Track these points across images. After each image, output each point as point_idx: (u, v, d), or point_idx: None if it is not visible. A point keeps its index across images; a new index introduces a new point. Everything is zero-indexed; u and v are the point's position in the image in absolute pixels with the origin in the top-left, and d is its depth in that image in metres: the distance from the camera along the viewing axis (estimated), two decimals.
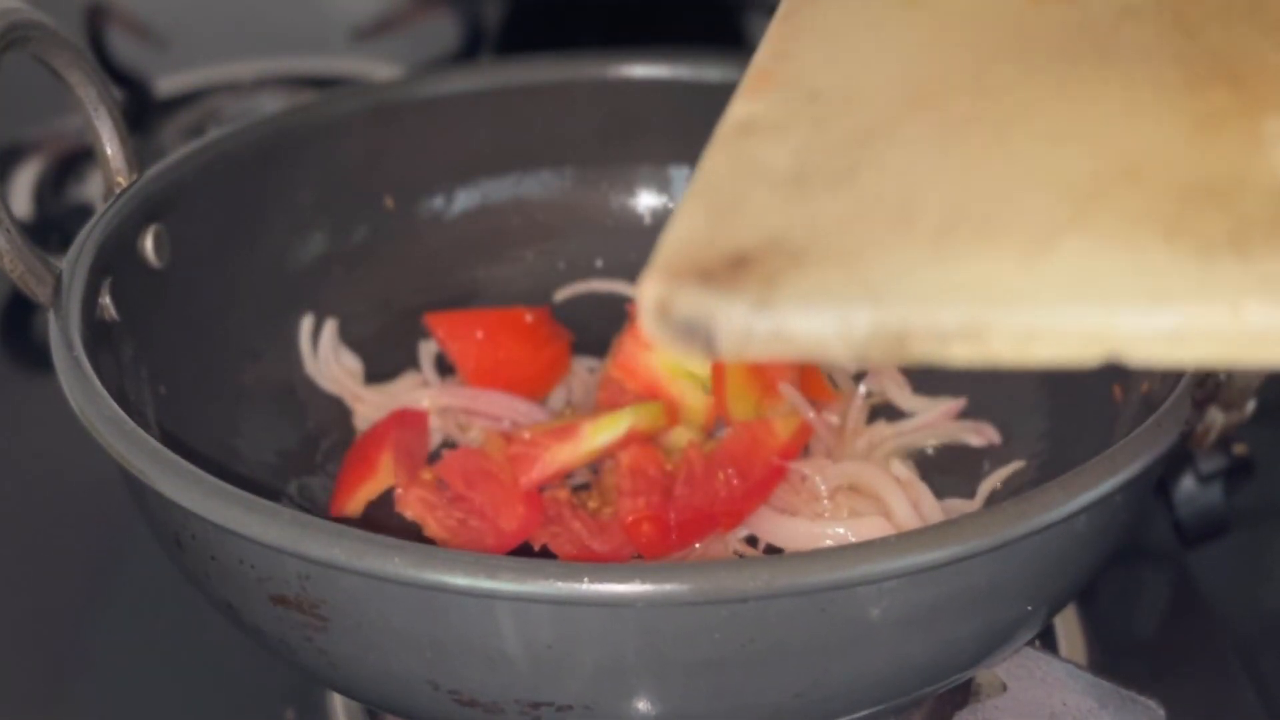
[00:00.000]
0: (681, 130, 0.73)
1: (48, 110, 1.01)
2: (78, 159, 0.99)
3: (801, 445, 0.63)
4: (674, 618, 0.44)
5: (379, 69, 1.07)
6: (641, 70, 0.74)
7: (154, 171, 0.63)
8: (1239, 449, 0.70)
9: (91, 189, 0.97)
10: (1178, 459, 0.70)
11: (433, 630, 0.45)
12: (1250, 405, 0.52)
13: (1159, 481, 0.70)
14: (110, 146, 0.62)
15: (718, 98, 0.73)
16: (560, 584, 0.43)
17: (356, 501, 0.64)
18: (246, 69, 1.10)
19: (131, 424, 0.50)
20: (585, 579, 0.43)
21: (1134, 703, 0.55)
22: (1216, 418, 0.52)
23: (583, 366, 0.71)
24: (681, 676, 0.46)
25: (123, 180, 0.62)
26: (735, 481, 0.60)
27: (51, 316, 0.55)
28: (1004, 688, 0.56)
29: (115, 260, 0.59)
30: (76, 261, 0.57)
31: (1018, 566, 0.47)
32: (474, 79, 0.74)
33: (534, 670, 0.45)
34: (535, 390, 0.69)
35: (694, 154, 0.74)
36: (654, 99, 0.74)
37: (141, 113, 1.05)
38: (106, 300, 0.58)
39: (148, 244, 0.62)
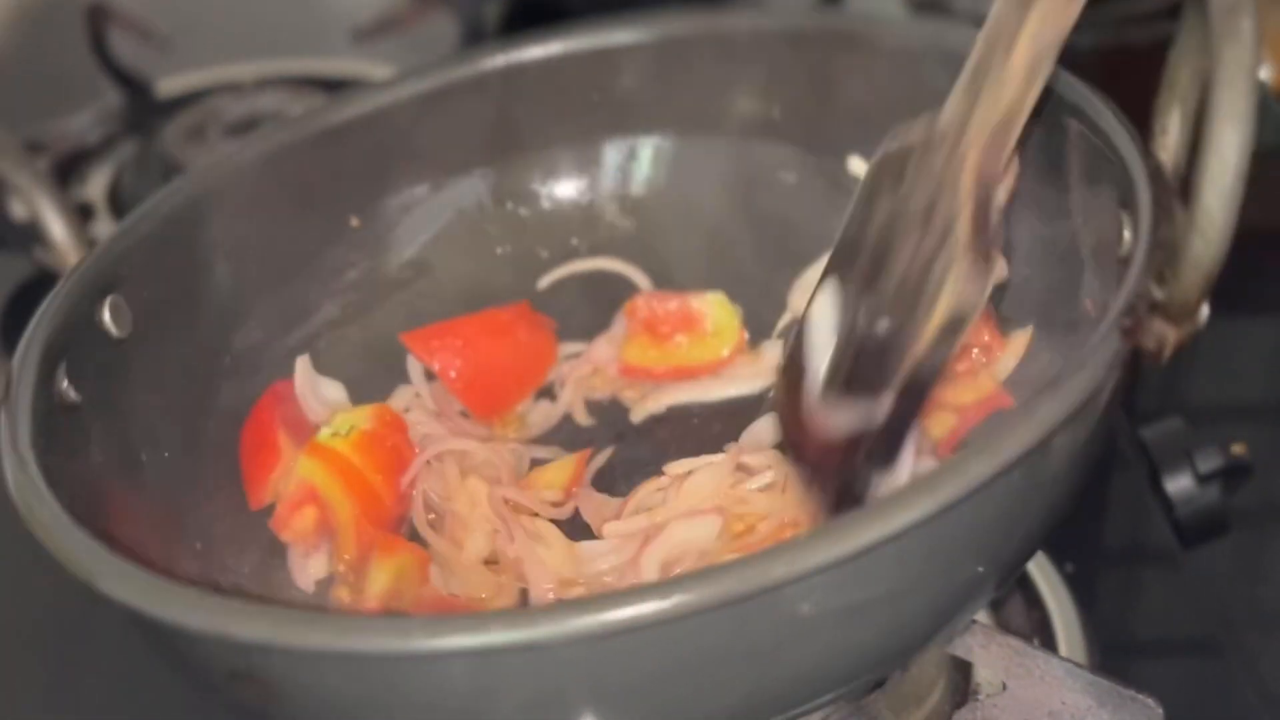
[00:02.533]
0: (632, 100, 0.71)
1: (49, 111, 1.01)
2: (79, 159, 0.99)
3: None
4: (596, 652, 0.43)
5: (379, 69, 1.07)
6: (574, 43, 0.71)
7: (102, 246, 0.61)
8: (1237, 449, 0.70)
9: (92, 189, 0.97)
10: (1176, 458, 0.70)
11: (370, 692, 0.45)
12: (1203, 313, 0.49)
13: (1156, 481, 0.70)
14: (55, 229, 0.60)
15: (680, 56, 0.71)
16: (471, 637, 0.42)
17: (271, 488, 0.63)
18: (247, 69, 1.10)
19: (70, 521, 0.49)
20: (494, 628, 0.42)
21: (1133, 701, 0.55)
22: (1167, 333, 0.50)
23: (570, 351, 0.70)
24: (620, 700, 0.45)
25: (72, 259, 0.60)
26: None
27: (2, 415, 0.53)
28: (1003, 687, 0.56)
29: (72, 340, 0.57)
30: (25, 355, 0.55)
31: (955, 535, 0.45)
32: (421, 83, 0.71)
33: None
34: (527, 383, 0.69)
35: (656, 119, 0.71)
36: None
37: (143, 114, 1.05)
38: (65, 385, 0.56)
39: (105, 316, 0.60)
